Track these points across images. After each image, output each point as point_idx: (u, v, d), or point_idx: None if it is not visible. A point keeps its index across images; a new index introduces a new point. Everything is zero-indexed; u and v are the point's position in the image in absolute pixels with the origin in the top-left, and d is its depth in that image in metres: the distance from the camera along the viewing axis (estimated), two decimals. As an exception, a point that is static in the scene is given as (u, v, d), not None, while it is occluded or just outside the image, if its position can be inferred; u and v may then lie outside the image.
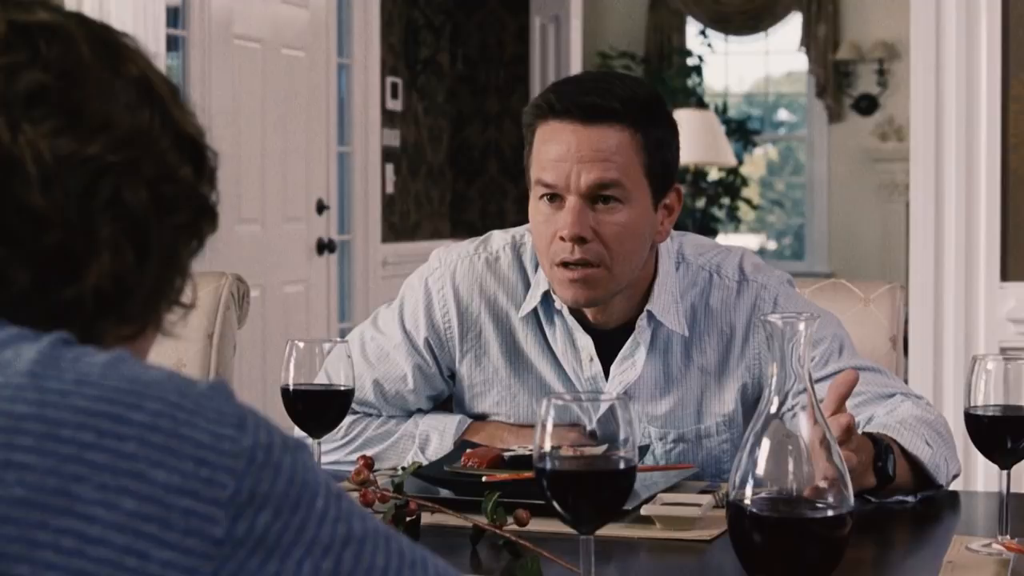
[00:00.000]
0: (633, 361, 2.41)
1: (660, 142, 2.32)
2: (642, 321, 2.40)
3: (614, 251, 2.29)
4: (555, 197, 2.30)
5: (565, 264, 2.30)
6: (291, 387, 2.16)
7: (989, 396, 1.95)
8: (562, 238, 2.28)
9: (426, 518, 2.02)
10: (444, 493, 2.15)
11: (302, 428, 2.20)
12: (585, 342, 2.41)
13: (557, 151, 2.28)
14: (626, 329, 2.41)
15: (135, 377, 1.02)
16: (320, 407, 2.19)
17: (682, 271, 2.44)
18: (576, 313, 2.41)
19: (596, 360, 2.41)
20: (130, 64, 1.16)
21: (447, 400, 2.57)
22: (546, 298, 2.42)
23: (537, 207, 2.33)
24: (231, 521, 0.99)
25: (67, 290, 1.09)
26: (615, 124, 2.27)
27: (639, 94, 2.33)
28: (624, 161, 2.27)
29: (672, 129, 2.37)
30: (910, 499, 2.21)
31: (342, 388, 2.18)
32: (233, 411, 1.02)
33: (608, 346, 2.41)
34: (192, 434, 1.00)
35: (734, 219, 11.12)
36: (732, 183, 10.83)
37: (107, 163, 1.10)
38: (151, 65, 1.19)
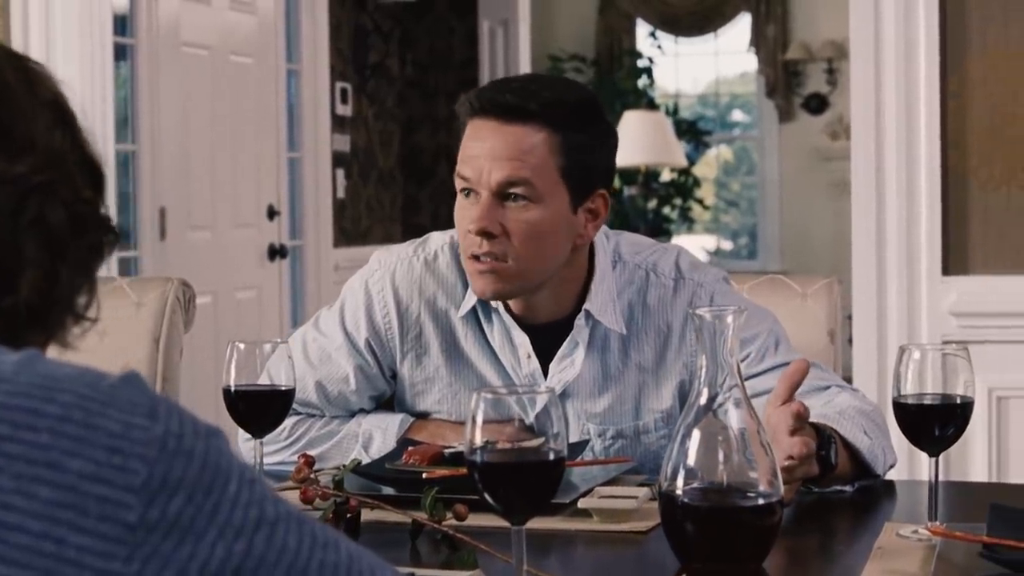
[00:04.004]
0: (572, 360, 2.44)
1: (582, 146, 2.35)
2: (580, 320, 2.42)
3: (520, 248, 2.32)
4: (471, 192, 2.34)
5: (476, 257, 2.34)
6: (232, 388, 2.18)
7: (918, 385, 1.99)
8: (470, 231, 2.33)
9: (366, 514, 2.04)
10: (386, 490, 2.18)
11: (244, 428, 2.22)
12: (522, 340, 2.44)
13: (475, 148, 2.33)
14: (562, 327, 2.44)
15: (48, 373, 1.05)
16: (261, 407, 2.20)
17: (619, 270, 2.47)
18: (512, 311, 2.45)
19: (534, 357, 2.44)
20: (43, 87, 1.22)
21: (389, 400, 2.59)
22: (483, 301, 2.45)
23: (458, 201, 2.38)
24: (144, 506, 1.01)
25: (4, 300, 1.13)
26: (531, 124, 2.31)
27: (565, 98, 2.36)
28: (536, 162, 2.31)
29: (600, 135, 2.40)
30: (848, 488, 2.24)
31: (283, 388, 2.20)
32: (144, 401, 1.05)
33: (546, 343, 2.44)
34: (104, 424, 1.03)
35: (687, 220, 11.16)
36: (684, 184, 10.87)
37: (34, 183, 1.15)
38: (59, 89, 1.24)
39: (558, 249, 2.38)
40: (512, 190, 2.31)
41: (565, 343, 2.44)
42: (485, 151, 2.32)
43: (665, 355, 2.45)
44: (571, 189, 2.35)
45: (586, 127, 2.37)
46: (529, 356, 2.44)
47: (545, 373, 2.44)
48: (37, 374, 1.05)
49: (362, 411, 2.55)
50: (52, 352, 1.23)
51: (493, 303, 2.44)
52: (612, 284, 2.45)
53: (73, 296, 1.20)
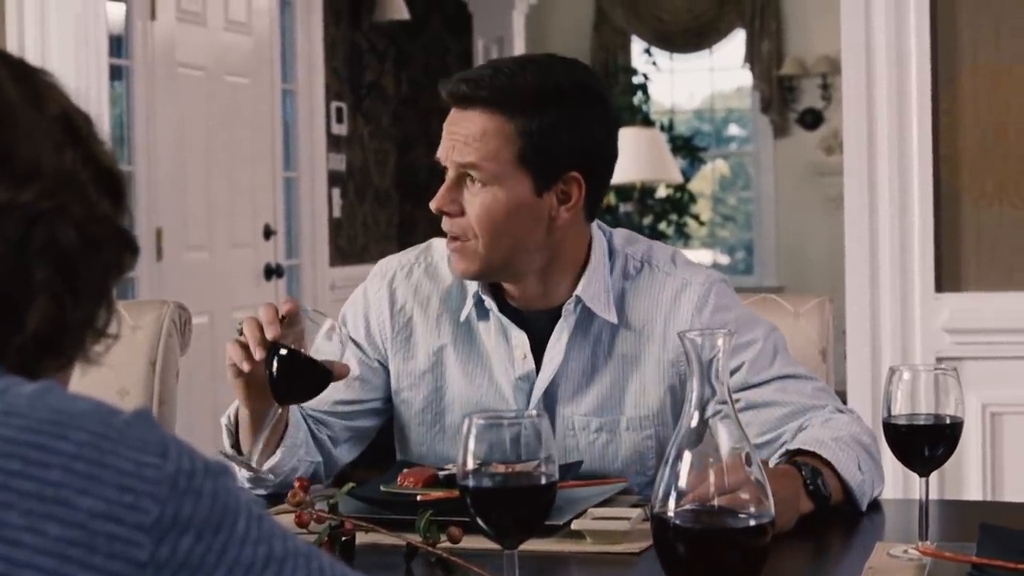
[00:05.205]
0: (560, 347, 2.46)
1: (541, 131, 2.35)
2: (569, 306, 2.44)
3: (477, 228, 2.37)
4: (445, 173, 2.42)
5: (447, 236, 2.42)
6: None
7: (908, 406, 1.99)
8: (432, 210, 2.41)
9: (361, 537, 2.04)
10: (381, 513, 2.18)
11: (273, 389, 2.23)
12: (520, 340, 2.46)
13: (444, 131, 2.40)
14: (559, 316, 2.46)
15: (61, 408, 1.05)
16: (301, 374, 2.23)
17: (612, 260, 2.49)
18: (506, 310, 2.46)
19: (530, 357, 2.45)
20: (51, 102, 1.19)
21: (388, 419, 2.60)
22: (480, 301, 2.48)
23: None
24: (155, 545, 1.02)
25: (13, 340, 1.13)
26: (483, 110, 2.35)
27: (525, 82, 2.36)
28: (487, 147, 2.34)
29: (569, 118, 2.37)
30: None
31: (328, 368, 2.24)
32: (156, 439, 1.06)
33: (546, 335, 2.46)
34: (115, 462, 1.03)
35: (683, 235, 11.17)
36: (680, 199, 10.88)
37: (41, 210, 1.13)
38: (69, 99, 1.22)
39: (522, 231, 2.39)
40: (468, 172, 2.36)
41: (555, 329, 2.45)
42: (448, 135, 2.39)
43: (654, 351, 2.45)
44: (533, 173, 2.36)
45: (548, 111, 2.35)
46: (525, 356, 2.45)
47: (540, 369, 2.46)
48: (50, 409, 1.05)
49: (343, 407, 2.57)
50: (77, 369, 1.24)
51: (487, 303, 2.46)
52: (606, 274, 2.47)
53: (88, 318, 1.20)
